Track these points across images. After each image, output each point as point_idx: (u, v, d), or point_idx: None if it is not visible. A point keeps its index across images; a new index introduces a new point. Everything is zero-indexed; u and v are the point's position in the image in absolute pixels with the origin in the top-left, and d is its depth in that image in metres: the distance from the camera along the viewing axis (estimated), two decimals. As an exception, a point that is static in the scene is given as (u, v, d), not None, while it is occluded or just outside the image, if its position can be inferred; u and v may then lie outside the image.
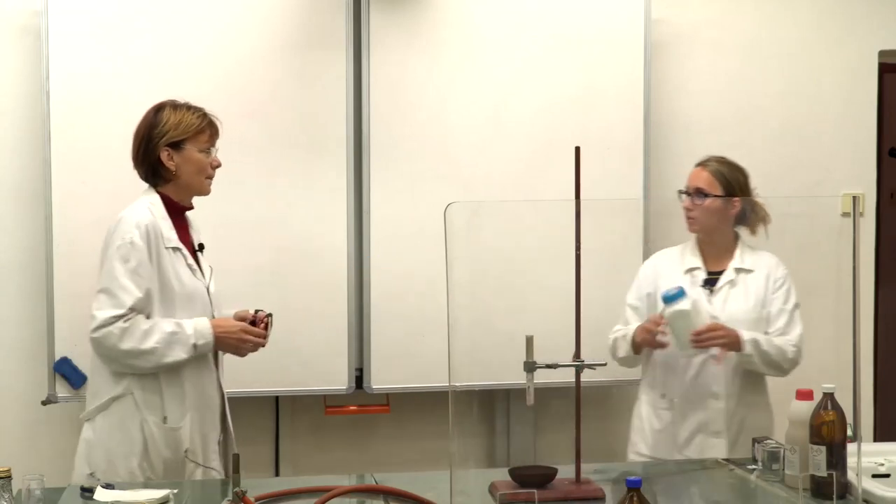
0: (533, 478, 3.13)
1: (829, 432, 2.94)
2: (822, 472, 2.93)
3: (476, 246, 3.28)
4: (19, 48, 4.52)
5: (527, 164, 4.63)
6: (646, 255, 4.70)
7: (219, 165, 3.65)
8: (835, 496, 2.86)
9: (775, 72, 5.08)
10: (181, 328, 3.47)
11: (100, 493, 3.08)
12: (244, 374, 4.46)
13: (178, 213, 3.64)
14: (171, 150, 3.54)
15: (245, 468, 2.89)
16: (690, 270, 3.96)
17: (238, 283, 4.44)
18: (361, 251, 4.59)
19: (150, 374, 3.49)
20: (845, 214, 5.06)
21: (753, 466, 3.37)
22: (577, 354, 3.26)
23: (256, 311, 3.70)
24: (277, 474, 4.78)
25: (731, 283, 3.91)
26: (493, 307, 4.20)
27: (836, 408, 2.97)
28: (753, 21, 5.06)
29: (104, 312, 3.42)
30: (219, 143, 3.65)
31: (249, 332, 3.62)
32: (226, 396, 3.70)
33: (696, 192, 3.87)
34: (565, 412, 4.21)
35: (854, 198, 5.04)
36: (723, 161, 3.96)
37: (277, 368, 4.49)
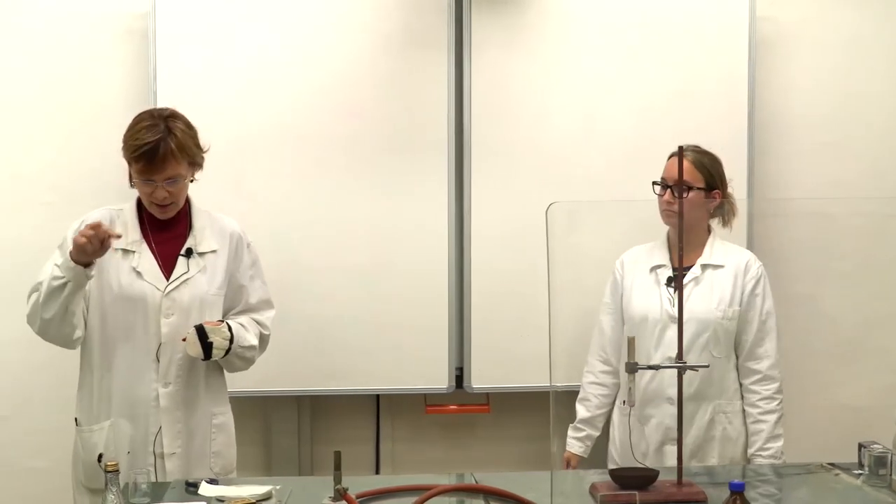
0: (634, 479, 3.12)
1: (939, 437, 2.89)
2: (931, 478, 2.88)
3: (576, 246, 3.27)
4: (127, 49, 4.59)
5: (627, 162, 4.57)
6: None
7: (161, 202, 3.43)
8: (944, 502, 2.81)
9: (881, 69, 4.97)
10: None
11: (204, 488, 3.13)
12: (344, 373, 4.51)
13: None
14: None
15: (346, 466, 2.92)
16: (656, 268, 3.87)
17: (338, 281, 4.49)
18: (462, 251, 4.59)
19: (87, 372, 3.43)
20: (950, 214, 4.93)
21: (859, 471, 3.31)
22: (679, 356, 3.23)
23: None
24: (378, 472, 4.80)
25: (696, 280, 3.80)
26: (592, 308, 4.16)
27: (946, 411, 2.92)
28: (860, 17, 4.95)
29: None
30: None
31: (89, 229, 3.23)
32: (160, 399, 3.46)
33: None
34: (666, 414, 4.17)
35: (959, 198, 4.92)
36: (699, 150, 3.82)
37: (378, 367, 4.53)
